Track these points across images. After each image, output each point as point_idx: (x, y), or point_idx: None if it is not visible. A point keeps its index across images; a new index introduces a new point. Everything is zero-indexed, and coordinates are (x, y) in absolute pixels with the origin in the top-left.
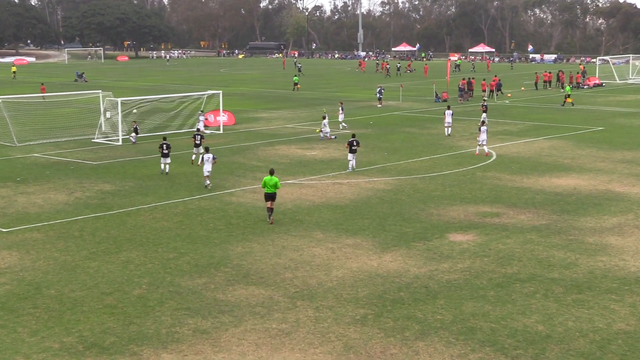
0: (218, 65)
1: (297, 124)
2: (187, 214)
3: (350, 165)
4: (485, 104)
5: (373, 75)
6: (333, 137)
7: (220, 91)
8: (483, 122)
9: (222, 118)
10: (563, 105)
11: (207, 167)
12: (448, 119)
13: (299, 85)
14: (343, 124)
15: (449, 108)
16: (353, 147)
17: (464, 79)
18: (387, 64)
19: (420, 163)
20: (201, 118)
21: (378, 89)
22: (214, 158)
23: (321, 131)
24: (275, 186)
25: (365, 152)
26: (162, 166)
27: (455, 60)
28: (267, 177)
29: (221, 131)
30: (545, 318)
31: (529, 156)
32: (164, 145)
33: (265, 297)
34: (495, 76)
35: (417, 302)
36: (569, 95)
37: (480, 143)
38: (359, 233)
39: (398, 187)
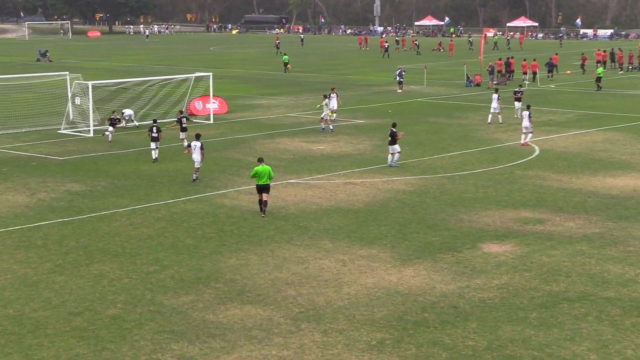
0: (207, 43)
1: (301, 112)
2: (171, 219)
3: (390, 160)
4: (521, 89)
5: (391, 54)
6: (330, 127)
7: (210, 73)
8: (528, 107)
9: (213, 105)
10: (598, 89)
11: (196, 157)
12: (494, 103)
13: (289, 66)
14: (334, 114)
15: (496, 92)
16: (395, 138)
17: (500, 59)
18: (416, 40)
19: (449, 159)
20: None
21: (398, 71)
22: (201, 148)
23: (328, 111)
24: (269, 176)
25: (383, 146)
26: (153, 152)
27: (492, 37)
28: (259, 167)
29: (211, 121)
30: (599, 345)
31: (578, 151)
32: (154, 128)
33: (264, 319)
34: (535, 60)
35: (445, 325)
36: (599, 78)
37: (524, 131)
38: (375, 242)
39: (422, 188)
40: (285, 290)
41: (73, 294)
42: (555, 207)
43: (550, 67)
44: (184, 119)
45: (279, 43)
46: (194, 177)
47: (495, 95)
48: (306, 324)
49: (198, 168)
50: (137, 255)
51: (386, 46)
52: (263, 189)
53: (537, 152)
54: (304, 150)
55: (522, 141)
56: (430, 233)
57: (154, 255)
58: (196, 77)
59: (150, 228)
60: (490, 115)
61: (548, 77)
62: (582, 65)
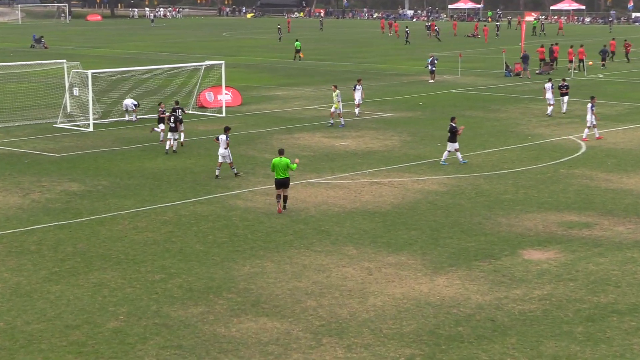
0: (220, 28)
1: (322, 104)
2: (179, 222)
3: (445, 156)
4: (565, 83)
5: (422, 41)
6: (329, 122)
7: (223, 62)
8: (593, 98)
9: (225, 97)
10: None
11: (222, 151)
12: (547, 94)
13: (302, 54)
14: (340, 118)
15: (549, 81)
16: (455, 133)
17: (542, 46)
18: (435, 25)
19: (486, 157)
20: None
21: (430, 59)
22: (227, 138)
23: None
24: (287, 168)
25: (413, 143)
26: (169, 143)
27: (531, 22)
28: (277, 159)
29: (223, 114)
30: None
31: (630, 148)
32: (172, 117)
33: (281, 332)
34: (582, 46)
35: (481, 340)
36: None
37: (589, 125)
38: (404, 249)
39: (456, 189)
40: (304, 301)
41: (70, 305)
42: (603, 210)
43: (604, 54)
44: (174, 117)
45: (280, 29)
46: (217, 173)
47: (548, 85)
48: (328, 339)
49: (221, 163)
50: (142, 262)
51: (407, 32)
52: (281, 183)
53: (583, 149)
54: (326, 147)
55: (596, 135)
56: (464, 238)
57: (160, 262)
58: (207, 66)
59: (155, 232)
60: (550, 107)
61: (602, 65)
62: (627, 54)
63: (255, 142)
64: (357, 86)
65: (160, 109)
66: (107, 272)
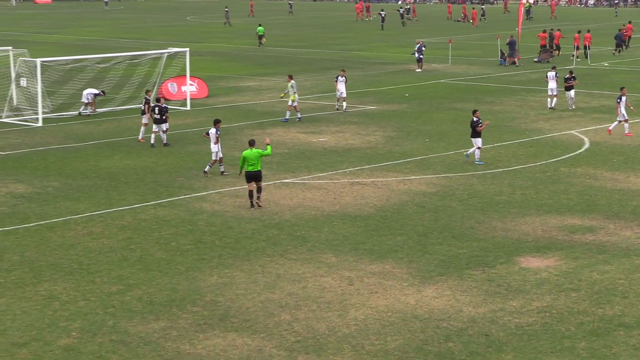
0: (184, 11)
1: (299, 96)
2: (138, 227)
3: (472, 152)
4: (572, 75)
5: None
6: (298, 116)
7: (187, 49)
8: (622, 89)
9: (190, 88)
10: None
11: (212, 147)
12: (551, 84)
13: (264, 39)
14: (297, 112)
15: (553, 69)
16: (477, 129)
17: (544, 31)
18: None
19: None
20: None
21: (417, 46)
22: (217, 132)
23: (290, 97)
24: (260, 156)
25: (398, 139)
26: (153, 136)
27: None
28: (247, 151)
29: (188, 107)
30: None
31: (638, 144)
32: (156, 109)
33: (252, 350)
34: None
35: (474, 357)
36: None
37: (620, 119)
38: (388, 256)
39: (446, 189)
40: (278, 314)
41: (17, 320)
42: (609, 213)
43: (620, 40)
44: (158, 108)
45: (228, 12)
46: (206, 170)
47: (551, 73)
48: (304, 356)
49: (215, 161)
50: (97, 272)
51: (383, 15)
52: (253, 176)
53: (586, 145)
54: (302, 143)
55: (626, 131)
56: (455, 244)
57: (117, 272)
58: (169, 53)
59: (112, 239)
60: (549, 99)
61: (614, 53)
62: (624, 40)
63: (223, 138)
64: (340, 77)
65: (147, 97)
66: (58, 284)
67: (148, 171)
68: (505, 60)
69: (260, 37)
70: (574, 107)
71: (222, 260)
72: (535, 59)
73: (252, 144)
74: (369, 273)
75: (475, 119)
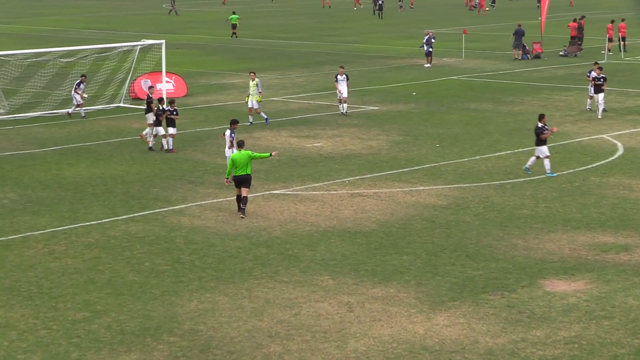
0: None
1: (290, 95)
2: (107, 246)
3: (529, 162)
4: (601, 75)
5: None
6: (264, 118)
7: (163, 41)
8: None
9: (165, 86)
10: None
11: (227, 152)
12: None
13: (235, 31)
14: (261, 112)
15: (596, 64)
16: (541, 136)
17: (574, 20)
18: None
19: (496, 161)
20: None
21: (425, 38)
22: (231, 134)
23: (253, 101)
24: (250, 159)
25: (404, 144)
26: (165, 141)
27: None
28: (236, 154)
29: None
30: None
31: None
32: (173, 111)
33: None
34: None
35: None
36: None
37: None
38: (393, 278)
39: (459, 202)
40: (267, 345)
41: None
42: None
43: None
44: (160, 106)
45: (174, 0)
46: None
47: (595, 74)
48: None
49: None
50: (59, 297)
51: (380, 2)
52: (241, 181)
53: (620, 152)
54: (294, 149)
55: None
56: (470, 265)
57: (83, 296)
58: (142, 46)
59: (77, 258)
60: (589, 100)
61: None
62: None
63: (204, 143)
64: (340, 76)
65: (149, 95)
66: (15, 310)
67: (118, 181)
68: (526, 54)
69: (234, 26)
70: (602, 114)
71: (203, 283)
72: (561, 53)
73: (241, 145)
74: (371, 298)
75: (540, 124)
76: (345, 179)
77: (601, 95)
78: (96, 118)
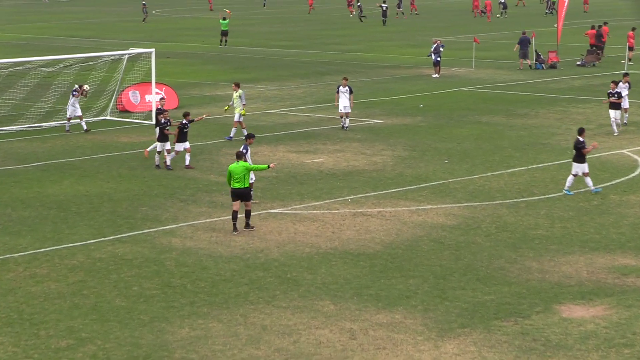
0: (149, 4)
1: (288, 108)
2: (93, 268)
3: (568, 182)
4: (616, 91)
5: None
6: (228, 136)
7: (153, 49)
8: None
9: (155, 98)
10: None
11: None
12: (624, 102)
13: (226, 38)
14: (242, 128)
15: (626, 76)
16: (582, 151)
17: (592, 27)
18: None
19: (509, 178)
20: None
21: (434, 46)
22: (243, 148)
23: (234, 108)
24: (247, 170)
25: (411, 159)
26: (188, 157)
27: None
28: (233, 165)
29: (154, 121)
30: None
31: None
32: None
33: None
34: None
35: None
36: None
37: None
38: (399, 303)
39: (469, 222)
40: None
41: None
42: None
43: None
44: (166, 121)
45: (145, 5)
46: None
47: (624, 85)
48: None
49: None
50: (42, 324)
51: (384, 8)
52: (238, 194)
53: None
54: (293, 165)
55: None
56: (481, 289)
57: (67, 322)
58: (131, 55)
59: (61, 282)
60: (613, 123)
61: None
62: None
63: (196, 158)
64: (342, 88)
65: (157, 107)
66: None
67: (105, 199)
68: (541, 63)
69: (224, 32)
70: (617, 130)
71: (195, 309)
72: (578, 62)
73: (239, 156)
74: (375, 324)
75: (581, 139)
76: (347, 197)
77: (618, 113)
78: (81, 132)
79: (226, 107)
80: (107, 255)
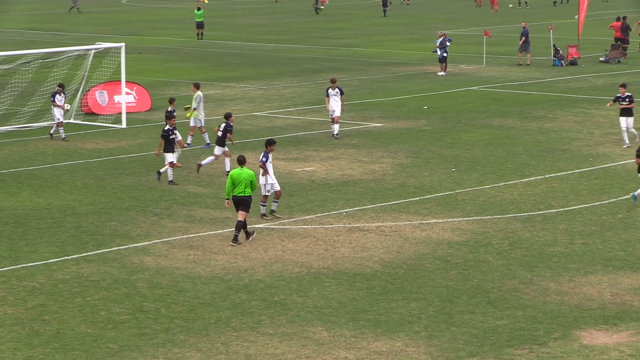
0: None
1: (276, 110)
2: (55, 291)
3: (636, 195)
4: (625, 94)
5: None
6: (205, 144)
7: (123, 44)
8: None
9: (126, 98)
10: None
11: (261, 179)
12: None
13: (202, 30)
14: (201, 131)
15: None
16: None
17: (618, 19)
18: None
19: (524, 188)
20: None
21: (439, 40)
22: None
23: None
24: (251, 184)
25: (413, 167)
26: (229, 162)
27: None
28: (236, 170)
29: (123, 124)
30: None
31: None
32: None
33: None
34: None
35: None
36: None
37: None
38: (400, 329)
39: (479, 237)
40: None
41: None
42: None
43: None
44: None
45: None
46: (273, 209)
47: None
48: None
49: (266, 197)
50: None
51: None
52: (238, 202)
53: None
54: (282, 174)
55: None
56: (493, 313)
57: (26, 352)
58: (97, 50)
59: (18, 306)
60: (623, 133)
61: None
62: None
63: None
64: (331, 90)
65: (169, 110)
66: None
67: (68, 213)
68: (560, 59)
69: (200, 24)
70: (628, 141)
71: (170, 336)
72: (602, 59)
73: (242, 162)
74: (374, 353)
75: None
76: (342, 211)
77: (631, 120)
78: (41, 137)
79: (188, 114)
80: (70, 276)
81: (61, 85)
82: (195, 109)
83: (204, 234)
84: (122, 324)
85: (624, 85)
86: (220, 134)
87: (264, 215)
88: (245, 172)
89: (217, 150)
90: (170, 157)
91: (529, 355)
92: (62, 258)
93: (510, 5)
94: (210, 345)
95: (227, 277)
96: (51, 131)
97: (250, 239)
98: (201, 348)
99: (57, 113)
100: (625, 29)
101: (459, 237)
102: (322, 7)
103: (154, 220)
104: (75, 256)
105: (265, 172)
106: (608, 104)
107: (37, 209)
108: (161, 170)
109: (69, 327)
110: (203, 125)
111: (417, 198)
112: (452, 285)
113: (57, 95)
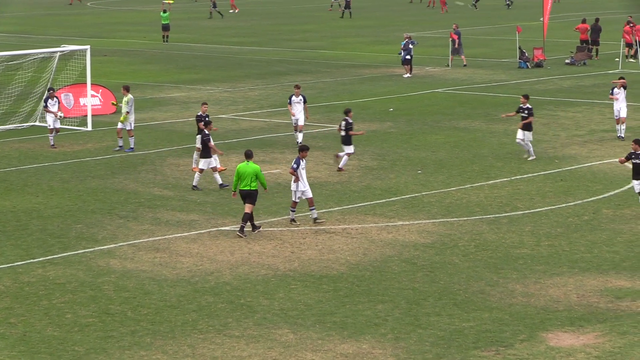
0: None
1: (241, 112)
2: (21, 294)
3: None
4: (526, 106)
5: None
6: (129, 148)
7: (88, 46)
8: None
9: (91, 101)
10: None
11: (292, 186)
12: (617, 104)
13: (168, 33)
14: (121, 138)
15: (621, 81)
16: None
17: (583, 21)
18: None
19: (489, 191)
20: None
21: (404, 42)
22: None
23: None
24: (257, 177)
25: (379, 170)
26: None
27: None
28: (242, 165)
29: (89, 127)
30: None
31: None
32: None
33: None
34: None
35: None
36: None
37: None
38: (366, 331)
39: (445, 239)
40: None
41: None
42: None
43: None
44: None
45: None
46: (292, 217)
47: (619, 90)
48: None
49: (295, 203)
50: None
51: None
52: (244, 195)
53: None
54: None
55: None
56: (459, 315)
57: None
58: (63, 53)
59: None
60: (618, 125)
61: None
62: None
63: (137, 170)
64: (295, 97)
65: (201, 114)
66: None
67: (34, 216)
68: (526, 62)
69: (166, 27)
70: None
71: (136, 339)
72: (567, 61)
73: (248, 155)
74: (340, 355)
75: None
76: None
77: (528, 134)
78: (6, 140)
79: (122, 118)
80: (36, 279)
81: (51, 89)
82: (128, 112)
83: (170, 236)
84: (88, 327)
85: (526, 96)
86: (343, 132)
87: (293, 220)
88: (251, 166)
89: (347, 149)
90: (203, 164)
91: (495, 357)
92: (28, 261)
93: (461, 4)
94: (176, 348)
95: (193, 279)
96: (51, 143)
97: (256, 232)
98: (167, 351)
99: (50, 119)
100: (598, 31)
101: (425, 239)
102: (232, 10)
103: (120, 223)
104: (41, 259)
105: (297, 179)
106: (504, 115)
107: (2, 212)
108: (195, 179)
109: (35, 330)
110: (132, 128)
111: (383, 200)
112: (419, 288)
113: (50, 100)
